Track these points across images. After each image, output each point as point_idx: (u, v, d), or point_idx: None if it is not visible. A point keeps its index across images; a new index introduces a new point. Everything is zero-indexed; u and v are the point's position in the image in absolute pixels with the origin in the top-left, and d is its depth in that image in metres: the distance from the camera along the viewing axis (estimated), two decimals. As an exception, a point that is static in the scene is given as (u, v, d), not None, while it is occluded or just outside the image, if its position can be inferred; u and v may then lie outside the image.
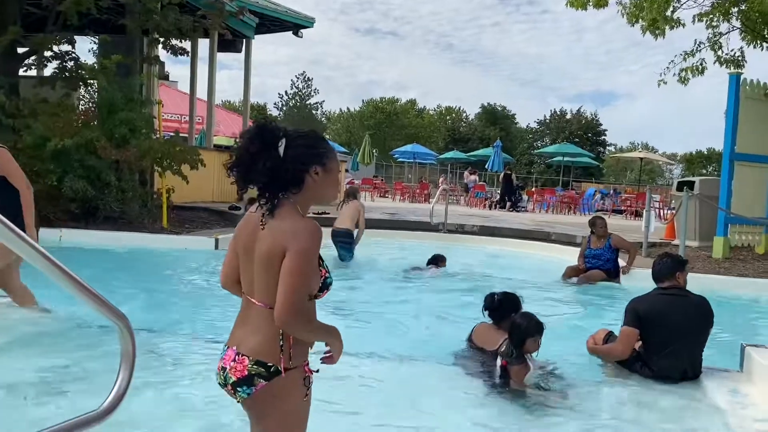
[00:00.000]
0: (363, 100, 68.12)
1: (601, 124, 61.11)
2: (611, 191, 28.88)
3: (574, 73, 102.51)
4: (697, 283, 7.34)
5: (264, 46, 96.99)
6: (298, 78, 66.55)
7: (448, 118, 68.74)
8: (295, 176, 1.95)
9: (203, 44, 15.74)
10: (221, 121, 30.27)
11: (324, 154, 2.01)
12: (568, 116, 61.58)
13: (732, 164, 9.82)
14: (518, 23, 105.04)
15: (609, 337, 4.46)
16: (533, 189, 29.86)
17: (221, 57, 17.43)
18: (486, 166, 28.54)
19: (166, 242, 9.24)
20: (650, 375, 4.16)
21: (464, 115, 69.33)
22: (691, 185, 11.08)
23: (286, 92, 66.92)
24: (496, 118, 63.79)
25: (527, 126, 66.75)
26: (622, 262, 8.33)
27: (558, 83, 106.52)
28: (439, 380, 4.11)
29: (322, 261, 2.02)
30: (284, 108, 66.15)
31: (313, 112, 66.76)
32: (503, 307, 4.33)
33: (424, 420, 3.44)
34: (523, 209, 22.57)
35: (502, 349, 4.01)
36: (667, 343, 4.12)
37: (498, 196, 23.52)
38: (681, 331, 4.14)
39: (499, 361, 3.98)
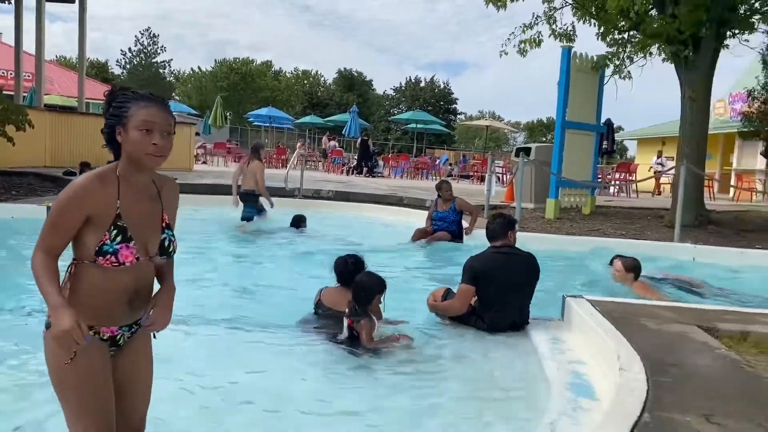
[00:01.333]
0: (216, 60, 65.25)
1: (452, 93, 63.56)
2: (461, 157, 30.31)
3: (428, 42, 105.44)
4: (531, 240, 8.03)
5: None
6: (142, 34, 62.10)
7: (305, 81, 67.92)
8: (108, 139, 1.99)
9: (29, -8, 14.19)
10: (55, 79, 27.64)
11: (123, 114, 1.95)
12: (423, 84, 63.31)
13: (563, 131, 10.69)
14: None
15: (448, 293, 4.72)
16: (389, 155, 30.51)
17: (53, 8, 15.93)
18: (343, 132, 28.67)
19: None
20: (484, 327, 4.48)
21: (322, 79, 68.93)
22: (528, 151, 11.94)
23: (129, 49, 62.29)
24: (353, 84, 64.03)
25: (384, 92, 67.80)
26: (466, 224, 8.82)
27: (413, 51, 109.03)
28: (291, 344, 4.12)
29: (115, 226, 1.95)
30: (128, 66, 61.61)
31: (160, 71, 62.79)
32: (352, 270, 4.42)
33: (273, 385, 3.46)
34: (379, 175, 23.04)
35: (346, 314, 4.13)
36: (499, 297, 4.45)
37: (355, 162, 23.80)
38: (511, 285, 4.49)
39: (345, 321, 4.09)
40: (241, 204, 9.22)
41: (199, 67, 64.46)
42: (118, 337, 2.08)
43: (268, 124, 34.17)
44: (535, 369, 3.84)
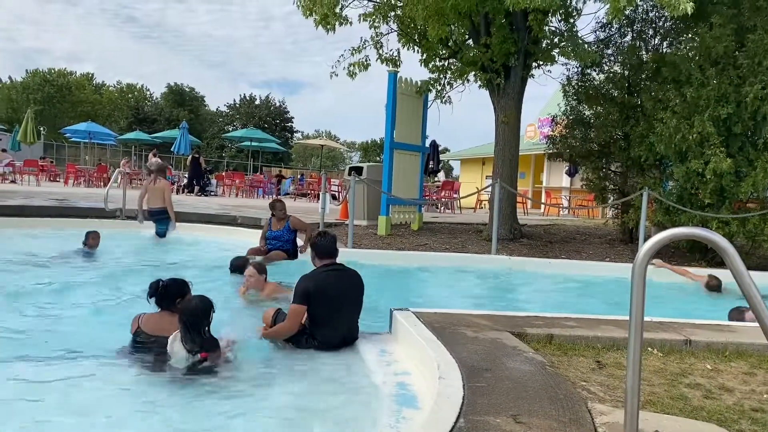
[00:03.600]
0: (27, 70, 59.28)
1: (288, 111, 63.58)
2: (298, 176, 30.32)
3: (263, 60, 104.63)
4: (366, 256, 8.25)
5: None
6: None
7: (130, 96, 64.07)
8: None
9: None
10: None
11: None
12: (258, 102, 62.63)
13: (392, 152, 11.15)
14: (205, 3, 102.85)
15: (278, 314, 4.69)
16: (223, 173, 29.68)
17: None
18: (172, 149, 27.40)
19: None
20: (315, 346, 4.50)
21: (149, 93, 65.52)
22: (360, 171, 12.28)
23: None
24: (184, 100, 61.64)
25: (218, 109, 66.01)
26: (300, 242, 8.82)
27: (247, 68, 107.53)
28: (119, 377, 3.83)
29: None
30: None
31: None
32: (169, 293, 4.22)
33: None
34: (212, 194, 22.31)
35: (181, 343, 3.93)
36: (330, 315, 4.50)
37: (186, 180, 22.83)
38: (341, 302, 4.57)
39: (184, 358, 3.89)
40: (145, 221, 10.16)
41: (9, 77, 58.16)
42: None
43: (87, 140, 31.68)
44: (363, 381, 3.93)
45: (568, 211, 21.23)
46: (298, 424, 3.39)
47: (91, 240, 8.23)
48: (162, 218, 10.09)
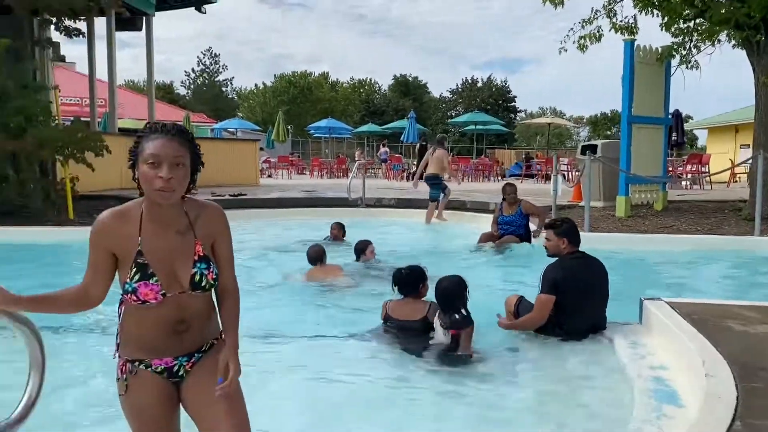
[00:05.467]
0: (275, 75, 66.75)
1: (510, 91, 62.82)
2: (522, 157, 29.80)
3: (483, 41, 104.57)
4: (603, 240, 7.85)
5: (168, 21, 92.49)
6: (204, 54, 64.34)
7: (361, 90, 68.56)
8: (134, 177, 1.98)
9: (100, 22, 14.95)
10: (125, 103, 28.88)
11: (137, 151, 1.93)
12: (479, 84, 62.80)
13: (630, 127, 10.39)
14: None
15: (520, 302, 4.68)
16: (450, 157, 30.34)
17: (122, 35, 16.67)
18: (401, 138, 28.77)
19: (72, 234, 8.83)
20: (561, 335, 4.41)
21: (378, 87, 69.40)
22: (594, 149, 11.66)
23: (193, 69, 64.62)
24: (409, 89, 64.20)
25: (440, 95, 67.61)
26: (533, 226, 8.70)
27: (468, 51, 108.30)
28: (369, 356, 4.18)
29: (135, 264, 1.94)
30: (192, 86, 63.90)
31: (223, 89, 64.81)
32: (412, 279, 4.46)
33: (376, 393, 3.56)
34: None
35: (439, 320, 4.16)
36: (577, 304, 4.37)
37: (415, 168, 23.80)
38: (588, 291, 4.42)
39: (442, 333, 4.13)
40: (424, 186, 11.39)
41: (264, 83, 66.15)
42: (176, 367, 2.07)
43: (328, 135, 34.73)
44: (616, 376, 3.76)
45: None
46: (549, 417, 3.37)
47: (335, 231, 8.46)
48: (435, 183, 11.18)
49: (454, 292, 4.18)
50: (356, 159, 22.12)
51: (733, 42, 10.61)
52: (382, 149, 28.38)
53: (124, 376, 2.04)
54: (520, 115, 63.94)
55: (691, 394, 3.16)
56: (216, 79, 64.63)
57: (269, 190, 15.30)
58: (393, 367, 3.99)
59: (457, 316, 4.09)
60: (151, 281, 1.93)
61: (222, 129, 32.52)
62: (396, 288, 4.55)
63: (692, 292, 6.16)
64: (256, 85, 67.74)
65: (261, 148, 27.19)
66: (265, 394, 3.38)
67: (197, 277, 1.99)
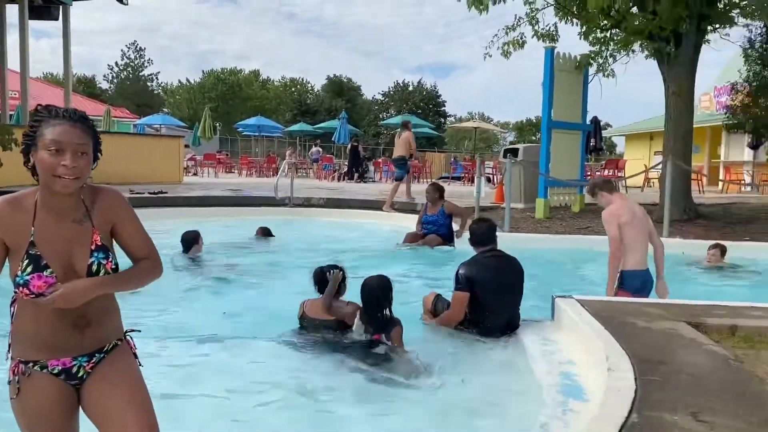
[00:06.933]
0: (203, 71, 65.10)
1: (440, 95, 63.69)
2: (452, 160, 30.30)
3: (415, 45, 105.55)
4: (523, 241, 8.06)
5: (91, 13, 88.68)
6: (128, 48, 62.01)
7: (293, 89, 67.88)
8: (26, 162, 1.89)
9: (12, 9, 14.14)
10: (41, 96, 27.48)
11: (34, 134, 1.83)
12: (411, 88, 63.41)
13: (550, 131, 10.75)
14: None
15: (437, 299, 4.73)
16: (380, 159, 30.51)
17: (39, 25, 15.82)
18: (333, 138, 28.65)
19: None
20: (477, 332, 4.49)
21: (310, 86, 68.90)
22: (515, 152, 11.99)
23: (116, 63, 62.19)
24: (342, 90, 64.03)
25: (373, 97, 67.83)
26: (456, 227, 8.83)
27: (400, 55, 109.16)
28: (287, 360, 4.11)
29: (27, 255, 1.84)
30: (115, 80, 61.50)
31: (148, 84, 62.67)
32: (326, 279, 4.42)
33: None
34: (370, 180, 23.05)
35: (361, 320, 4.13)
36: (492, 302, 4.46)
37: (345, 168, 23.80)
38: (503, 289, 4.51)
39: (358, 333, 4.10)
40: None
41: (187, 79, 64.38)
42: (75, 368, 1.94)
43: (257, 134, 34.15)
44: (526, 371, 3.85)
45: (752, 188, 19.12)
46: (461, 411, 3.40)
47: (260, 233, 8.85)
48: (401, 164, 12.42)
49: (379, 292, 4.13)
50: (287, 157, 21.88)
51: (646, 53, 11.14)
52: (314, 149, 28.22)
53: (16, 378, 1.90)
54: (450, 120, 64.94)
55: (596, 389, 3.26)
56: (141, 74, 62.39)
57: (192, 188, 14.89)
58: (308, 366, 3.94)
59: (382, 319, 4.07)
60: (45, 273, 1.83)
61: (145, 125, 31.38)
62: (316, 287, 4.50)
63: (604, 290, 6.38)
64: (181, 81, 65.89)
65: (186, 146, 26.47)
66: (176, 399, 3.26)
67: (95, 267, 1.91)
